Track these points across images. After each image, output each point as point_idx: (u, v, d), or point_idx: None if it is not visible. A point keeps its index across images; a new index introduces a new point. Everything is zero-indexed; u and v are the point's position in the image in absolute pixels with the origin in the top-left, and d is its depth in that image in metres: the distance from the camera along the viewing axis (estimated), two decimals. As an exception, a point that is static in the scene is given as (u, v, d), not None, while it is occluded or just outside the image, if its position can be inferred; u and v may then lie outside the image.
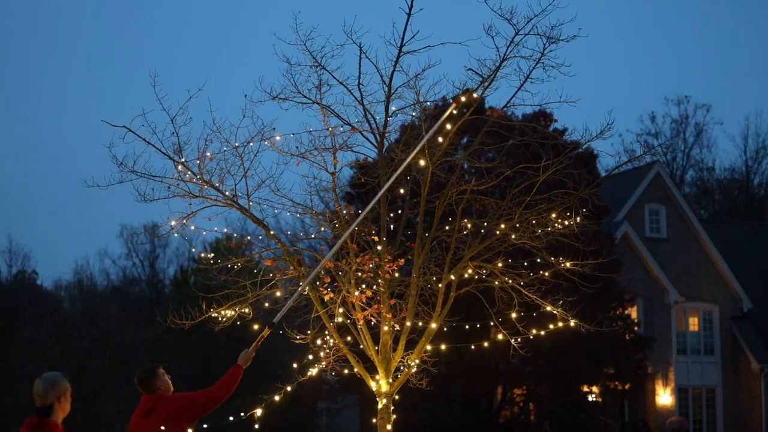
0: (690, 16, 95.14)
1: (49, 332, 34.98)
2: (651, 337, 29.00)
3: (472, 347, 13.67)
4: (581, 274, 10.73)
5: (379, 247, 10.35)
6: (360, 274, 10.27)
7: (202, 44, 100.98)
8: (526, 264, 10.83)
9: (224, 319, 10.61)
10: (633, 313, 29.44)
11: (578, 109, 10.55)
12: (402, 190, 11.17)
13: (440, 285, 10.35)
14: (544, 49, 9.97)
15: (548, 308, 10.57)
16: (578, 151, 13.58)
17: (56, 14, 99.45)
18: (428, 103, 10.80)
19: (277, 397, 10.68)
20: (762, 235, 37.11)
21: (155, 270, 54.03)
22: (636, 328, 27.99)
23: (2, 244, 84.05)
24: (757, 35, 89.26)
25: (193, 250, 38.79)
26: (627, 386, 27.86)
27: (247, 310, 10.56)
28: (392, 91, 10.33)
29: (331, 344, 10.79)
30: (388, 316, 10.14)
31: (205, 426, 9.03)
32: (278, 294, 10.87)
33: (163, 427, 6.89)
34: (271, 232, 10.68)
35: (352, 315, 10.32)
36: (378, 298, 10.33)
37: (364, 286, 10.30)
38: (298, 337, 10.91)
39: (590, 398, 26.75)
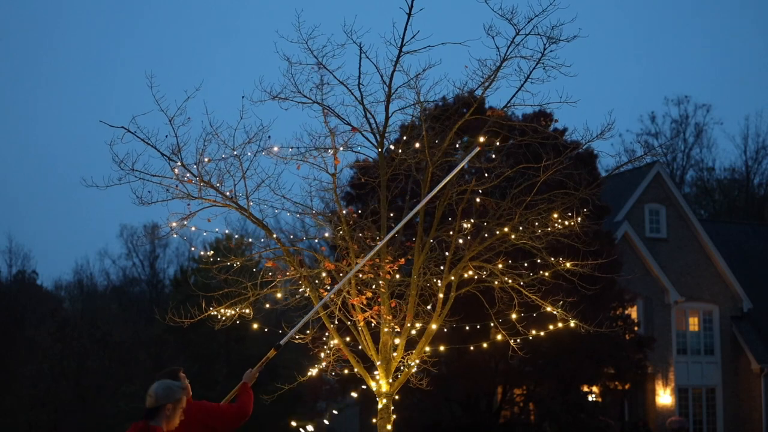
0: (690, 16, 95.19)
1: (49, 332, 34.94)
2: (651, 337, 28.99)
3: (471, 348, 13.65)
4: (581, 275, 10.73)
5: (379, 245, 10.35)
6: (360, 275, 10.27)
7: (201, 45, 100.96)
8: (526, 264, 10.83)
9: (224, 319, 10.60)
10: (633, 313, 29.42)
11: (578, 110, 10.55)
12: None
13: (440, 285, 10.35)
14: (545, 49, 9.97)
15: (548, 309, 10.56)
16: (578, 152, 13.58)
17: (56, 13, 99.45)
18: (429, 104, 10.80)
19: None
20: (762, 235, 37.10)
21: (155, 270, 54.02)
22: (636, 328, 27.97)
23: (2, 244, 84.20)
24: (757, 35, 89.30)
25: (193, 249, 38.78)
26: (627, 386, 27.84)
27: (247, 311, 10.55)
28: (392, 91, 10.32)
29: (331, 345, 10.79)
30: (388, 318, 10.13)
31: None
32: (278, 295, 10.87)
33: None
34: (273, 234, 10.67)
35: (352, 317, 10.32)
36: (378, 298, 10.33)
37: (365, 286, 10.31)
38: (298, 337, 10.90)
39: (590, 398, 26.73)
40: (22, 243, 76.18)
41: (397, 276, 10.36)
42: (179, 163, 9.96)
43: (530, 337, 11.00)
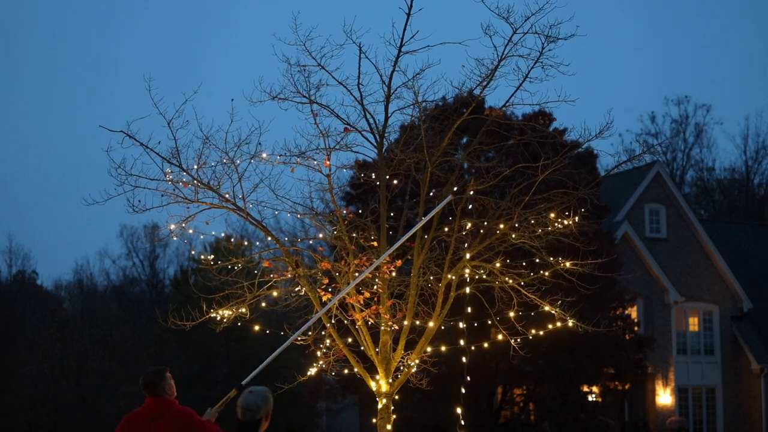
0: (690, 16, 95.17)
1: (49, 332, 34.92)
2: (651, 337, 28.99)
3: (473, 347, 13.63)
4: (581, 274, 10.72)
5: (376, 244, 10.36)
6: (358, 275, 10.27)
7: (201, 45, 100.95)
8: (525, 264, 10.83)
9: (224, 320, 10.60)
10: (633, 313, 29.42)
11: (578, 109, 10.55)
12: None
13: (440, 285, 10.34)
14: (543, 48, 9.96)
15: (547, 308, 10.56)
16: (578, 151, 13.58)
17: (56, 13, 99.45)
18: (428, 103, 10.80)
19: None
20: (762, 235, 37.09)
21: (155, 270, 54.05)
22: (636, 328, 27.97)
23: (2, 244, 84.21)
24: (758, 35, 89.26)
25: (193, 252, 38.76)
26: (627, 386, 27.84)
27: (243, 310, 10.56)
28: (392, 91, 10.32)
29: (329, 344, 10.79)
30: (386, 317, 10.13)
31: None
32: (274, 294, 10.88)
33: None
34: (271, 234, 10.67)
35: (350, 316, 10.32)
36: (377, 298, 10.33)
37: (363, 286, 10.30)
38: (300, 339, 10.90)
39: (590, 398, 26.73)
40: (22, 243, 76.25)
41: (393, 274, 10.35)
42: (177, 166, 9.95)
43: (530, 337, 10.99)
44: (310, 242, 11.77)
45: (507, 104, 10.61)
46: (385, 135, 10.63)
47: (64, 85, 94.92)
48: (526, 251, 10.90)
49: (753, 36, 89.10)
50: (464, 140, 19.39)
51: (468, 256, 10.23)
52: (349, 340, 10.60)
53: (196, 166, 10.01)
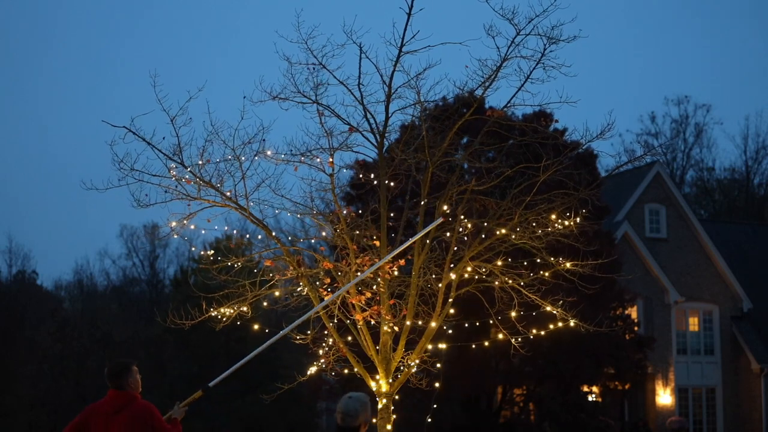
0: (690, 16, 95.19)
1: (49, 332, 34.95)
2: (651, 337, 28.99)
3: (473, 347, 13.65)
4: (581, 275, 10.73)
5: (377, 243, 10.36)
6: (359, 274, 10.27)
7: (201, 45, 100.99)
8: (526, 264, 10.83)
9: (224, 319, 10.61)
10: (633, 313, 29.42)
11: (578, 110, 10.55)
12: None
13: (440, 285, 10.35)
14: (545, 49, 9.97)
15: (548, 308, 10.57)
16: (578, 152, 13.58)
17: (56, 13, 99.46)
18: (429, 104, 10.80)
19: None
20: (762, 235, 37.09)
21: (155, 270, 54.05)
22: (636, 328, 27.98)
23: (2, 244, 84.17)
24: (758, 35, 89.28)
25: (193, 249, 38.78)
26: (627, 386, 27.84)
27: (245, 309, 10.55)
28: (392, 91, 10.32)
29: (330, 343, 10.80)
30: (387, 317, 10.13)
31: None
32: (277, 294, 10.88)
33: None
34: (272, 233, 10.68)
35: (351, 316, 10.32)
36: (378, 298, 10.33)
37: (364, 286, 10.30)
38: (298, 337, 10.91)
39: (590, 398, 26.74)
40: (22, 243, 76.11)
41: (396, 273, 10.35)
42: (180, 163, 9.96)
43: (531, 336, 11.00)
44: (312, 241, 11.76)
45: (508, 105, 10.62)
46: (386, 135, 10.63)
47: (65, 84, 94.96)
48: (526, 251, 10.91)
49: (753, 36, 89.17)
50: (465, 140, 19.39)
51: (468, 258, 10.24)
52: (349, 338, 10.60)
53: (200, 162, 10.02)
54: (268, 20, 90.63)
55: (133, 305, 48.07)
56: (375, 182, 10.79)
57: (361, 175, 11.61)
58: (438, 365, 10.81)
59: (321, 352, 10.92)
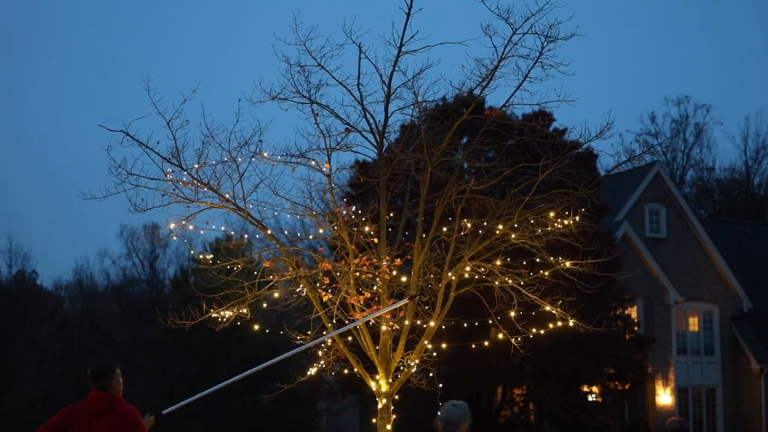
0: (690, 16, 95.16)
1: (49, 332, 34.94)
2: (651, 337, 28.99)
3: (473, 346, 13.65)
4: (581, 274, 10.73)
5: (377, 241, 10.35)
6: (358, 274, 10.28)
7: (201, 46, 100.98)
8: (525, 264, 10.83)
9: (224, 320, 10.61)
10: (633, 313, 29.42)
11: (578, 109, 10.55)
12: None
13: (440, 285, 10.35)
14: (543, 48, 9.97)
15: (548, 308, 10.57)
16: (578, 151, 13.58)
17: (56, 13, 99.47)
18: (428, 103, 10.80)
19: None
20: (762, 235, 37.09)
21: (155, 270, 54.05)
22: (636, 328, 27.98)
23: (2, 244, 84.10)
24: (758, 35, 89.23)
25: (193, 251, 38.78)
26: (627, 386, 27.84)
27: (244, 310, 10.56)
28: (392, 92, 10.32)
29: (329, 343, 10.79)
30: (387, 317, 10.13)
31: None
32: (275, 295, 10.88)
33: None
34: (270, 233, 10.67)
35: (351, 316, 10.32)
36: (377, 298, 10.33)
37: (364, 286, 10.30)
38: (298, 337, 10.90)
39: (590, 398, 26.74)
40: (22, 243, 76.04)
41: (394, 273, 10.35)
42: (177, 166, 9.96)
43: (531, 336, 11.00)
44: (310, 238, 11.76)
45: (507, 104, 10.62)
46: (385, 135, 10.63)
47: (64, 84, 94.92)
48: (526, 251, 10.91)
49: (753, 36, 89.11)
50: (464, 140, 19.40)
51: (467, 258, 10.24)
52: (349, 338, 10.61)
53: (196, 165, 10.02)
54: (268, 20, 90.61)
55: (133, 305, 48.08)
56: (377, 182, 10.79)
57: (362, 177, 11.61)
58: (435, 369, 10.80)
59: (321, 353, 10.92)
